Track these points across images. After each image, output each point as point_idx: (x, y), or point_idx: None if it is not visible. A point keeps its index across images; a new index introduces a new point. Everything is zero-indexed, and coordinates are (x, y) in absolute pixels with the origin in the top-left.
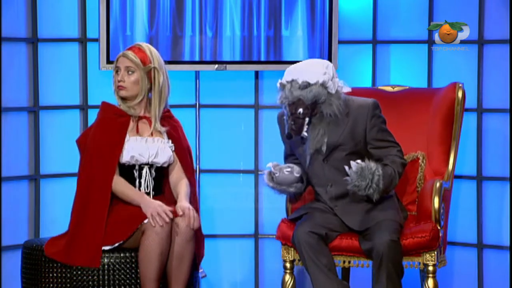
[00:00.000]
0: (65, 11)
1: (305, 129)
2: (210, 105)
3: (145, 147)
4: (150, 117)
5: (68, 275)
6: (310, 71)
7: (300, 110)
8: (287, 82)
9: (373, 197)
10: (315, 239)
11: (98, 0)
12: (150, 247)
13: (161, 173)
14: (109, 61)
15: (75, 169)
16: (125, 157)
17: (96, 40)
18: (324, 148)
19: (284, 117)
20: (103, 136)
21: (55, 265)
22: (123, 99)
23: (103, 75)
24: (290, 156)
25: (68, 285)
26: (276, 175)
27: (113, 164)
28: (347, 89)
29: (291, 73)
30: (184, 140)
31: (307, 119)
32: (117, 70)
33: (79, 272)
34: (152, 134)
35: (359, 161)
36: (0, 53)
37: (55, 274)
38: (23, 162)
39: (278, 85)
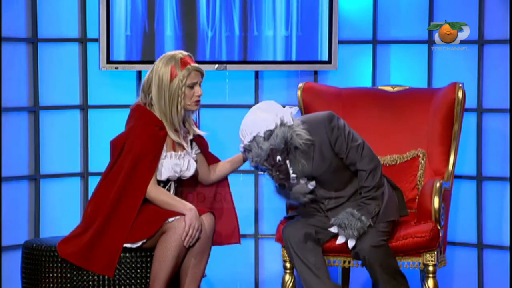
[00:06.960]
0: (65, 11)
1: (291, 171)
2: (210, 105)
3: (178, 163)
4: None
5: (68, 275)
6: (264, 119)
7: (278, 157)
8: (250, 142)
9: (368, 222)
10: (303, 237)
11: (98, 0)
12: (168, 247)
13: (182, 182)
14: (109, 61)
15: (75, 169)
16: (164, 175)
17: (96, 40)
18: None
19: (266, 174)
20: (144, 146)
21: (55, 265)
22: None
23: (103, 75)
24: None
25: (68, 285)
26: (294, 182)
27: (149, 177)
28: (295, 109)
29: (247, 132)
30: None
31: (288, 162)
32: (193, 85)
33: (79, 272)
34: (183, 148)
35: (334, 229)
36: (0, 53)
37: (55, 274)
38: (23, 162)
39: (241, 149)
